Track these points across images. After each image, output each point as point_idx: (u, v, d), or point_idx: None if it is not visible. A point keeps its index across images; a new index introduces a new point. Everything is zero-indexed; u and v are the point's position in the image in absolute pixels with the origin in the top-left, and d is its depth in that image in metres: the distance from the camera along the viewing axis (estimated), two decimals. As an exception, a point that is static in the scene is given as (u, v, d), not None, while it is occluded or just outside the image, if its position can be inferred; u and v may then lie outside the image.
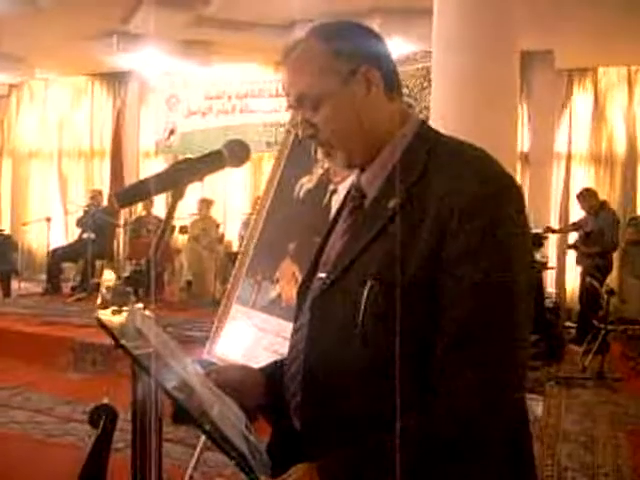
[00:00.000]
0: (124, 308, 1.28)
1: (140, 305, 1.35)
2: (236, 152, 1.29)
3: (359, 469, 1.13)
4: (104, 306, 1.22)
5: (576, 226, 7.58)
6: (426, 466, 1.12)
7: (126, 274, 1.53)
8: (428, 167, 1.21)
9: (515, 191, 1.20)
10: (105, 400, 1.31)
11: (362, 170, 1.32)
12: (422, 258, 1.14)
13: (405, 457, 1.10)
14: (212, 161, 1.26)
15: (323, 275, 1.31)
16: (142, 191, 1.22)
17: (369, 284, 1.17)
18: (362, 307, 1.17)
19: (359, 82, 1.25)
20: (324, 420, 1.24)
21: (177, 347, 1.43)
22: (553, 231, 7.81)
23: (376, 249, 1.20)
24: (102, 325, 1.11)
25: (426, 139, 1.28)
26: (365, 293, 1.17)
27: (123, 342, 1.09)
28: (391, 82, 1.30)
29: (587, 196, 7.39)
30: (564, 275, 8.59)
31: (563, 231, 7.99)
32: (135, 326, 1.17)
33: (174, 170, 1.23)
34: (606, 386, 5.58)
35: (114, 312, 1.25)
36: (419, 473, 1.11)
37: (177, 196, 1.21)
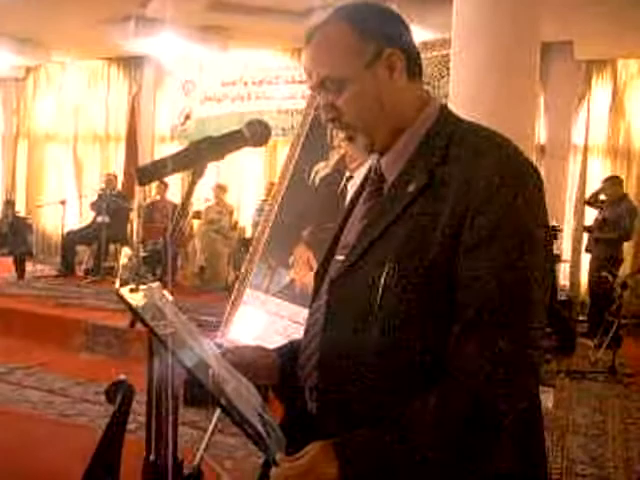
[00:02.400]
0: (141, 287, 1.29)
1: (157, 284, 1.36)
2: (257, 132, 1.29)
3: (375, 446, 1.14)
4: (123, 283, 1.22)
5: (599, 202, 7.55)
6: (442, 443, 1.13)
7: (143, 253, 1.53)
8: (449, 151, 1.21)
9: (534, 175, 1.21)
10: (122, 377, 1.32)
11: (381, 154, 1.32)
12: (441, 242, 1.15)
13: (421, 435, 1.12)
14: (233, 140, 1.27)
15: (341, 258, 1.31)
16: (163, 168, 1.22)
17: (387, 267, 1.18)
18: (380, 289, 1.18)
19: (383, 65, 1.25)
20: (340, 400, 1.25)
21: (194, 327, 1.44)
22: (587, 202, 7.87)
23: (395, 232, 1.20)
24: (123, 301, 1.12)
25: (447, 123, 1.28)
26: (383, 276, 1.18)
27: (146, 318, 1.09)
28: (413, 66, 1.30)
29: (614, 183, 7.37)
30: (578, 268, 8.54)
31: (592, 201, 7.87)
32: (155, 304, 1.18)
33: (195, 148, 1.23)
34: (617, 380, 5.56)
35: (131, 290, 1.26)
36: (435, 450, 1.12)
37: (197, 174, 1.21)
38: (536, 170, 1.23)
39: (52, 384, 5.16)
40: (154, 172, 1.24)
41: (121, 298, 1.11)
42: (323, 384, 1.29)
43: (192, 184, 1.24)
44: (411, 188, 1.21)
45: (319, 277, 1.40)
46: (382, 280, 1.18)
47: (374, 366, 1.20)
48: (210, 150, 1.24)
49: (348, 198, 3.08)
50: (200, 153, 1.23)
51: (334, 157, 3.20)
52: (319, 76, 1.28)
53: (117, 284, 1.14)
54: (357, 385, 1.22)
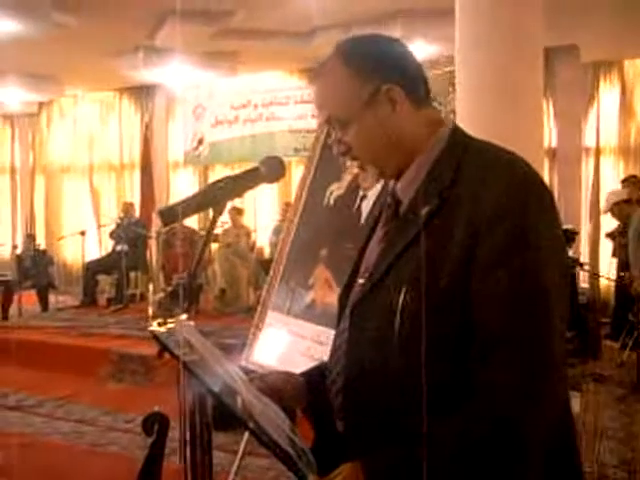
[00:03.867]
0: (169, 320, 1.35)
1: (184, 316, 1.42)
2: (273, 168, 1.35)
3: (401, 467, 1.17)
4: (154, 319, 1.28)
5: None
6: (466, 467, 1.14)
7: (170, 288, 1.59)
8: (460, 173, 1.24)
9: (544, 194, 1.23)
10: (156, 408, 1.37)
11: (397, 178, 1.35)
12: (455, 263, 1.17)
13: (447, 456, 1.14)
14: (250, 178, 1.32)
15: (362, 281, 1.35)
16: (185, 209, 1.28)
17: (404, 290, 1.21)
18: (398, 312, 1.20)
19: (382, 102, 1.29)
20: (365, 421, 1.28)
21: (221, 354, 1.49)
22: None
23: (411, 255, 1.23)
24: (155, 336, 1.17)
25: (458, 145, 1.31)
26: (401, 299, 1.21)
27: (177, 352, 1.15)
28: (417, 94, 1.32)
29: (632, 183, 7.23)
30: (598, 269, 8.52)
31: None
32: (184, 337, 1.23)
33: (215, 188, 1.29)
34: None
35: (160, 324, 1.32)
36: (459, 474, 1.14)
37: (218, 212, 1.27)
38: (544, 187, 1.25)
39: (81, 414, 5.23)
40: (177, 213, 1.29)
41: (154, 336, 1.17)
42: (348, 406, 1.33)
43: (213, 222, 1.30)
44: (424, 211, 1.24)
45: (343, 300, 1.43)
46: (400, 304, 1.21)
47: (396, 389, 1.22)
48: (229, 189, 1.29)
49: (363, 217, 3.14)
50: (219, 192, 1.29)
51: (347, 177, 3.25)
52: (324, 116, 1.34)
53: (151, 324, 1.20)
54: (381, 407, 1.25)
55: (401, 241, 1.26)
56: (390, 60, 1.32)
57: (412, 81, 1.32)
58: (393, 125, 1.30)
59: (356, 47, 1.34)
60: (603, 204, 7.32)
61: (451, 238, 1.19)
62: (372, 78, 1.28)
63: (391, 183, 1.39)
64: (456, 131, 1.34)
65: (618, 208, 6.99)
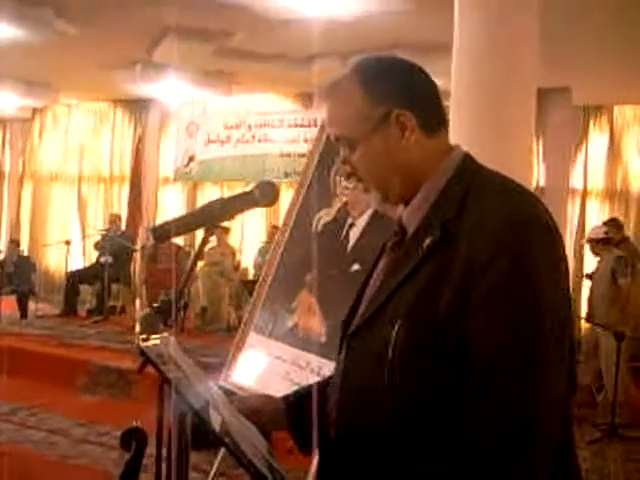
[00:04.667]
0: (153, 336, 1.36)
1: (167, 334, 1.43)
2: (267, 193, 1.37)
3: None
4: (139, 334, 1.29)
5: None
6: None
7: (156, 304, 1.58)
8: (465, 204, 1.21)
9: (547, 228, 1.19)
10: (135, 423, 1.38)
11: (406, 205, 1.33)
12: (450, 300, 1.15)
13: None
14: (244, 201, 1.35)
15: (362, 310, 1.33)
16: (177, 228, 1.30)
17: (399, 323, 1.18)
18: (391, 346, 1.18)
19: (392, 126, 1.27)
20: (356, 457, 1.26)
21: (202, 372, 1.50)
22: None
23: (409, 288, 1.20)
24: (142, 353, 1.19)
25: (466, 174, 1.28)
26: (394, 332, 1.18)
27: (163, 368, 1.16)
28: (429, 122, 1.30)
29: (613, 226, 7.33)
30: (580, 310, 8.56)
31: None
32: (169, 354, 1.25)
33: (209, 209, 1.31)
34: (619, 424, 5.54)
35: (144, 340, 1.33)
36: None
37: (209, 233, 1.29)
38: (547, 221, 1.20)
39: (54, 424, 5.19)
40: (169, 231, 1.31)
41: (140, 351, 1.18)
42: (340, 439, 1.31)
43: (204, 242, 1.32)
44: (426, 242, 1.21)
45: (344, 328, 1.39)
46: (394, 336, 1.18)
47: (386, 425, 1.21)
48: (222, 210, 1.32)
49: (351, 245, 3.16)
50: (212, 213, 1.31)
51: (336, 205, 3.27)
52: (333, 134, 1.35)
53: (137, 340, 1.21)
54: (371, 443, 1.23)
55: (401, 272, 1.23)
56: (405, 85, 1.30)
57: (425, 108, 1.30)
58: (401, 151, 1.28)
59: (373, 68, 1.33)
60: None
61: (449, 274, 1.16)
62: (385, 101, 1.27)
63: (399, 210, 1.36)
64: (465, 159, 1.32)
65: (615, 224, 7.17)
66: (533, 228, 1.18)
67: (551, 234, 1.20)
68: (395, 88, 1.29)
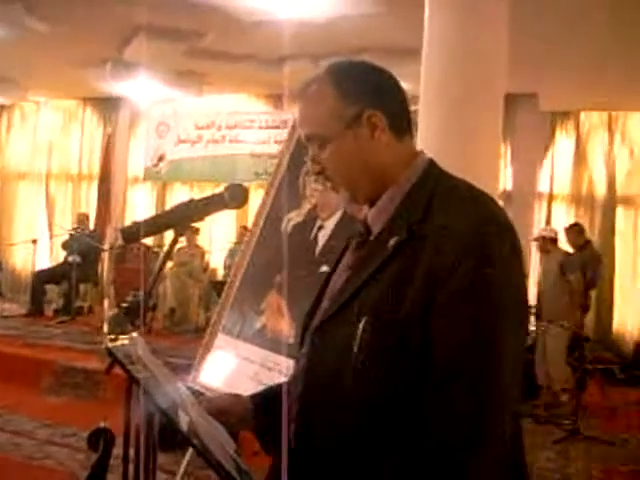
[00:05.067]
0: (122, 336, 1.37)
1: (136, 334, 1.44)
2: (237, 196, 1.38)
3: None
4: (107, 334, 1.30)
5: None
6: None
7: (125, 304, 1.57)
8: (430, 208, 1.25)
9: (509, 232, 1.24)
10: (102, 424, 1.38)
11: (371, 206, 1.37)
12: (415, 299, 1.18)
13: None
14: (214, 203, 1.36)
15: (326, 306, 1.36)
16: (147, 228, 1.30)
17: (364, 320, 1.21)
18: (356, 342, 1.21)
19: (363, 126, 1.31)
20: (316, 451, 1.29)
21: (170, 373, 1.51)
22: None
23: (374, 286, 1.24)
24: (110, 354, 1.19)
25: (431, 179, 1.32)
26: (360, 328, 1.21)
27: (130, 368, 1.17)
28: (399, 125, 1.34)
29: (575, 231, 7.48)
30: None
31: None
32: (137, 353, 1.26)
33: (180, 210, 1.32)
34: (582, 424, 5.64)
35: (112, 340, 1.34)
36: None
37: (179, 234, 1.30)
38: (510, 226, 1.25)
39: (19, 426, 5.12)
40: (138, 232, 1.32)
41: (108, 351, 1.18)
42: (301, 431, 1.33)
43: (173, 242, 1.32)
44: (391, 243, 1.25)
45: (306, 324, 1.42)
46: (359, 333, 1.21)
47: (349, 418, 1.23)
48: (191, 212, 1.33)
49: (319, 247, 3.18)
50: (182, 214, 1.32)
51: (306, 206, 3.29)
52: (305, 132, 1.37)
53: (106, 340, 1.22)
54: (333, 435, 1.26)
55: (367, 270, 1.27)
56: (377, 88, 1.34)
57: (395, 112, 1.34)
58: (370, 151, 1.32)
59: (346, 70, 1.37)
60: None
61: (414, 274, 1.19)
62: (357, 101, 1.31)
63: (364, 210, 1.39)
64: (430, 165, 1.36)
65: (577, 229, 7.38)
66: (497, 232, 1.22)
67: (513, 237, 1.25)
68: (367, 90, 1.33)
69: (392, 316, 1.20)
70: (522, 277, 1.26)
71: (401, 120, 1.35)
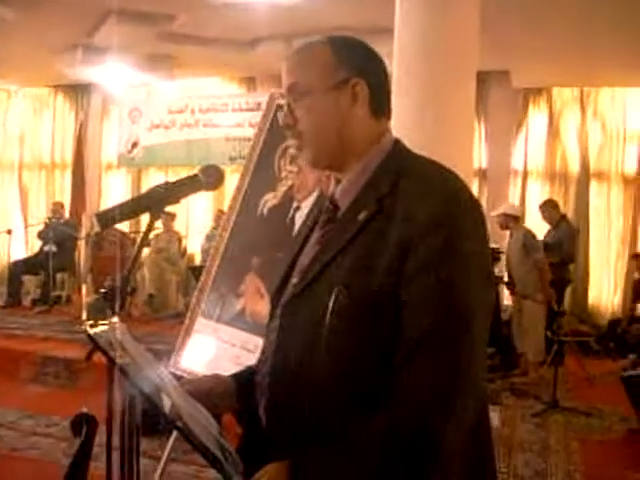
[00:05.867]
0: (101, 322, 1.37)
1: (116, 319, 1.44)
2: (212, 177, 1.38)
3: (325, 466, 1.20)
4: (87, 319, 1.30)
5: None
6: (389, 465, 1.17)
7: (103, 290, 1.57)
8: (397, 184, 1.29)
9: (476, 211, 1.29)
10: (84, 409, 1.38)
11: (337, 183, 1.41)
12: (386, 269, 1.22)
13: (369, 457, 1.18)
14: (189, 185, 1.36)
15: (295, 281, 1.38)
16: (123, 213, 1.30)
17: (336, 291, 1.24)
18: (328, 314, 1.24)
19: (347, 92, 1.35)
20: (289, 422, 1.31)
21: (152, 357, 1.51)
22: None
23: (345, 259, 1.27)
24: (91, 339, 1.19)
25: (399, 157, 1.37)
26: (332, 300, 1.24)
27: (111, 353, 1.17)
28: (380, 102, 1.39)
29: (549, 207, 7.56)
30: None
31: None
32: (116, 337, 1.26)
33: (154, 193, 1.32)
34: (560, 396, 5.73)
35: (92, 325, 1.33)
36: (382, 472, 1.18)
37: (155, 217, 1.29)
38: (478, 205, 1.31)
39: (1, 417, 5.09)
40: (114, 217, 1.32)
41: (88, 336, 1.19)
42: (272, 406, 1.35)
43: (149, 226, 1.32)
44: (361, 217, 1.29)
45: (275, 300, 1.45)
46: (331, 305, 1.24)
47: (321, 389, 1.26)
48: (167, 194, 1.33)
49: (296, 228, 3.19)
50: (157, 197, 1.31)
51: (282, 188, 3.29)
52: (289, 82, 1.39)
53: (85, 326, 1.22)
54: (305, 407, 1.28)
55: (336, 244, 1.30)
56: (368, 63, 1.39)
57: (378, 90, 1.39)
58: (345, 119, 1.35)
59: (345, 40, 1.41)
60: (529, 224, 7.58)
61: (385, 245, 1.23)
62: (348, 68, 1.35)
63: (331, 188, 1.43)
64: (397, 144, 1.40)
65: (550, 205, 7.53)
66: (464, 205, 1.27)
67: (479, 210, 1.31)
68: (359, 62, 1.37)
69: (364, 286, 1.23)
70: (487, 249, 1.32)
71: (381, 100, 1.40)
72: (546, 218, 7.51)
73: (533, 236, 6.64)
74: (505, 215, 6.72)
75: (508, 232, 6.90)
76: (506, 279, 6.98)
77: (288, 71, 1.40)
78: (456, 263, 1.21)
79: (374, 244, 1.25)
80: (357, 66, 1.36)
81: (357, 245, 1.27)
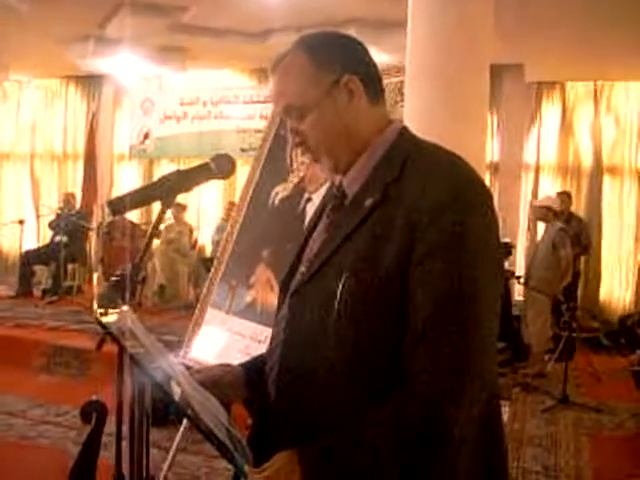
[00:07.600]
0: (112, 310, 1.37)
1: (126, 307, 1.43)
2: (223, 165, 1.38)
3: (335, 453, 1.20)
4: (98, 308, 1.30)
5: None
6: (399, 451, 1.18)
7: (114, 279, 1.57)
8: (405, 170, 1.28)
9: (486, 196, 1.28)
10: (94, 397, 1.38)
11: (344, 172, 1.39)
12: (395, 254, 1.21)
13: (379, 442, 1.18)
14: (200, 173, 1.35)
15: (303, 269, 1.38)
16: (134, 200, 1.30)
17: (344, 278, 1.24)
18: (337, 299, 1.23)
19: (341, 92, 1.33)
20: (299, 410, 1.31)
21: (162, 346, 1.51)
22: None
23: (352, 245, 1.27)
24: (102, 326, 1.19)
25: (405, 143, 1.35)
26: (340, 286, 1.24)
27: (123, 341, 1.17)
28: (374, 89, 1.38)
29: (564, 198, 7.51)
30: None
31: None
32: (127, 325, 1.26)
33: (165, 181, 1.31)
34: (570, 392, 5.71)
35: (103, 314, 1.33)
36: (392, 457, 1.18)
37: (166, 205, 1.29)
38: (487, 190, 1.29)
39: (12, 406, 5.12)
40: (126, 204, 1.31)
41: (99, 323, 1.18)
42: (283, 393, 1.35)
43: (161, 215, 1.32)
44: (368, 203, 1.28)
45: (284, 287, 1.45)
46: (339, 291, 1.23)
47: (330, 376, 1.26)
48: (179, 183, 1.32)
49: (307, 219, 3.18)
50: (169, 185, 1.31)
51: (293, 180, 3.28)
52: (283, 105, 1.37)
53: (96, 311, 1.22)
54: (315, 394, 1.28)
55: (344, 231, 1.30)
56: (350, 54, 1.37)
57: (370, 77, 1.37)
58: (349, 116, 1.34)
59: (318, 39, 1.38)
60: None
61: (392, 231, 1.22)
62: (334, 69, 1.33)
63: (338, 177, 1.42)
64: (404, 131, 1.39)
65: (565, 196, 7.50)
66: (472, 189, 1.26)
67: (489, 197, 1.29)
68: (340, 56, 1.35)
69: (372, 272, 1.23)
70: (497, 236, 1.29)
71: (374, 85, 1.38)
72: (561, 209, 7.45)
73: (566, 232, 6.57)
74: (548, 209, 6.66)
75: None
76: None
77: (276, 96, 1.38)
78: (464, 248, 1.20)
79: (381, 230, 1.24)
80: (341, 62, 1.34)
81: (363, 232, 1.26)
